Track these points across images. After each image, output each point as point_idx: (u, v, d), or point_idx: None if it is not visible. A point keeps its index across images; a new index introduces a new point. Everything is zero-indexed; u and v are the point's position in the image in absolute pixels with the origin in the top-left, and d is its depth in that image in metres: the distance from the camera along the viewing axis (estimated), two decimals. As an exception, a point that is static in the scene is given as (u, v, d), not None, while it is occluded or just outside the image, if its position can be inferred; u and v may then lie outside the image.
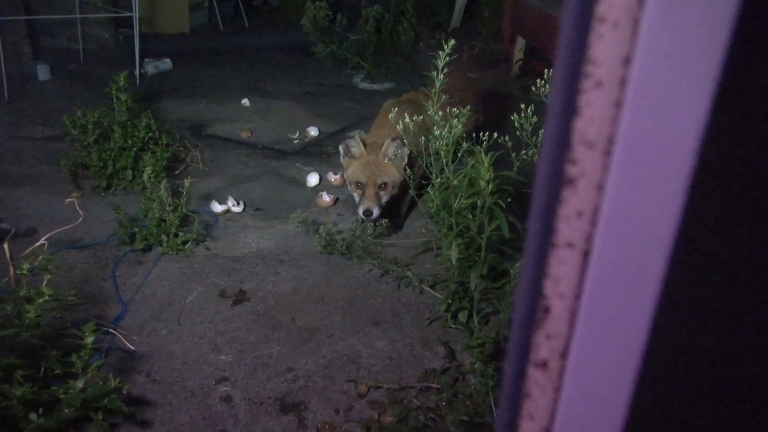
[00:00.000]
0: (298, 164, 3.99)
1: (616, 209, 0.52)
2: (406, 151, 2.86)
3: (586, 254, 0.53)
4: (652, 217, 0.51)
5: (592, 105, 0.50)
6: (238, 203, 3.37)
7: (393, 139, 2.86)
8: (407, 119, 2.56)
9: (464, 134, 2.42)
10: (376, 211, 2.88)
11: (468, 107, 2.46)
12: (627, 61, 0.47)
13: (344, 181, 3.45)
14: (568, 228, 0.54)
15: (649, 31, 0.46)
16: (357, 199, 2.97)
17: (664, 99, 0.48)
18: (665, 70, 0.47)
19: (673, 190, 0.50)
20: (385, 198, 2.94)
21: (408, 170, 2.68)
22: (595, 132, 0.50)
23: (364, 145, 2.96)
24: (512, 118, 2.31)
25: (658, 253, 0.52)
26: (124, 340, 2.34)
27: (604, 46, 0.47)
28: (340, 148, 3.00)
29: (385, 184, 2.92)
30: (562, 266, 0.54)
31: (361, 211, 2.91)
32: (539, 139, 2.37)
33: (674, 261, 0.53)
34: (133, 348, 2.31)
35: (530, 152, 2.33)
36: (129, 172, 3.47)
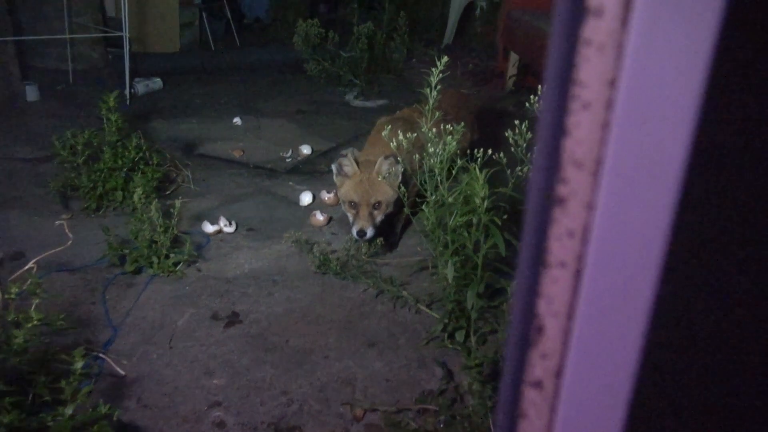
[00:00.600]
0: (290, 183, 4.01)
1: (606, 228, 0.53)
2: (400, 168, 2.89)
3: (578, 273, 0.55)
4: (643, 235, 0.53)
5: (581, 126, 0.51)
6: (230, 223, 3.38)
7: (386, 157, 2.88)
8: (401, 136, 2.58)
9: (459, 151, 2.45)
10: (370, 231, 2.90)
11: (462, 124, 2.49)
12: (613, 83, 0.49)
13: (338, 200, 3.47)
14: (560, 247, 0.55)
15: (633, 54, 0.48)
16: (350, 218, 2.97)
17: (649, 119, 0.50)
18: (650, 91, 0.49)
19: (662, 207, 0.51)
20: (379, 217, 2.96)
21: (402, 188, 2.70)
22: (584, 152, 0.52)
23: (357, 163, 2.98)
24: (507, 134, 2.34)
25: (650, 270, 0.54)
26: (114, 365, 2.33)
27: (591, 69, 0.49)
28: (333, 167, 3.02)
29: (379, 203, 2.94)
30: (554, 286, 0.55)
31: (354, 231, 2.91)
32: (533, 157, 2.39)
33: (666, 278, 0.54)
34: (123, 373, 2.30)
35: (525, 169, 2.35)
36: (119, 193, 3.48)
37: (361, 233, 2.89)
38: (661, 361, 0.56)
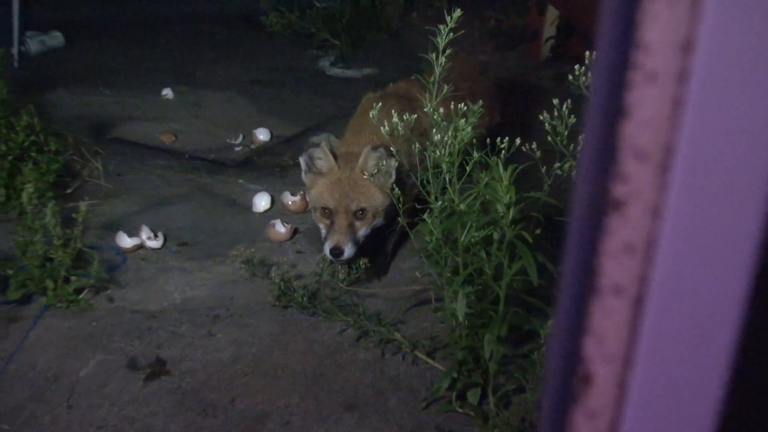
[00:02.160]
0: (241, 181, 4.02)
1: (678, 241, 0.55)
2: (394, 163, 2.90)
3: (638, 302, 0.56)
4: (727, 249, 0.55)
5: (645, 104, 0.53)
6: (156, 236, 3.38)
7: (374, 148, 2.89)
8: (395, 119, 2.60)
9: (475, 140, 2.47)
10: (348, 249, 2.88)
11: (480, 103, 2.51)
12: (688, 48, 0.51)
13: (307, 205, 3.47)
14: (614, 267, 0.57)
15: (718, 8, 0.50)
16: (323, 231, 2.98)
17: (737, 95, 0.51)
18: (738, 58, 0.50)
19: (752, 212, 0.53)
20: (362, 231, 2.96)
21: (396, 190, 2.71)
22: (649, 139, 0.54)
23: (335, 156, 2.99)
24: (542, 117, 2.36)
25: (736, 298, 0.55)
26: (-10, 430, 2.33)
27: (658, 28, 0.51)
28: (301, 160, 3.03)
29: (363, 210, 2.93)
30: (607, 319, 0.56)
31: (327, 248, 2.89)
32: (579, 148, 2.42)
33: (757, 307, 0.56)
34: (3, 442, 2.30)
35: (567, 165, 2.37)
36: (1, 191, 3.46)
37: (337, 251, 2.86)
38: (748, 421, 0.58)
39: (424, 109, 2.53)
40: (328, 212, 2.95)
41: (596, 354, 0.56)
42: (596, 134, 0.60)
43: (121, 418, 2.41)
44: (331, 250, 2.89)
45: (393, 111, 2.71)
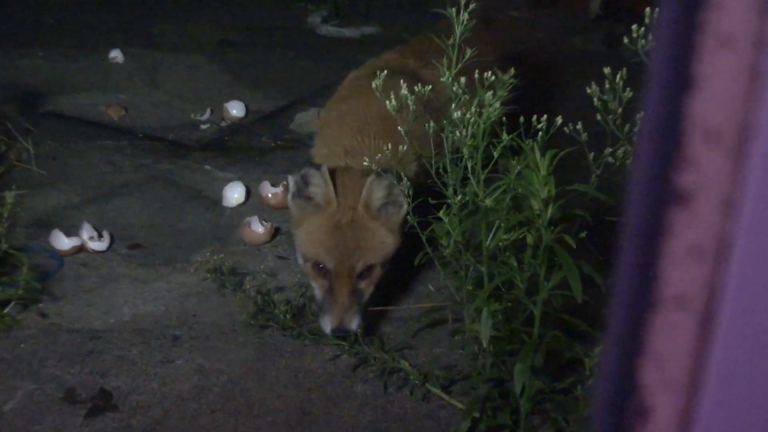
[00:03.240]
0: (208, 167, 4.02)
1: (755, 243, 0.56)
2: (405, 188, 2.73)
3: (707, 317, 0.57)
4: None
5: (716, 75, 0.54)
6: (101, 235, 3.38)
7: (379, 175, 2.76)
8: (391, 101, 2.59)
9: (504, 118, 2.47)
10: (355, 323, 2.78)
11: (511, 71, 2.51)
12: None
13: (283, 205, 3.47)
14: (678, 274, 0.58)
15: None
16: (317, 295, 2.89)
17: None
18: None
19: None
20: (369, 292, 2.89)
21: (409, 216, 2.65)
22: (722, 117, 0.55)
23: (334, 181, 2.86)
24: (589, 91, 2.37)
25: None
26: None
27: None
28: (291, 180, 2.90)
29: (371, 268, 2.86)
30: (669, 338, 0.57)
31: (328, 327, 2.79)
32: (635, 129, 2.43)
33: None
34: None
35: (620, 151, 2.38)
36: None
37: (341, 331, 2.77)
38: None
39: (441, 79, 2.53)
40: (323, 270, 2.85)
41: (655, 381, 0.57)
42: (657, 111, 0.61)
43: (56, 464, 2.43)
44: (333, 331, 2.79)
45: (391, 93, 2.70)
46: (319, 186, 2.84)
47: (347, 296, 2.80)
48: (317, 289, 2.90)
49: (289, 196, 2.94)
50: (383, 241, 2.88)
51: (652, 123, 0.63)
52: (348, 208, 2.84)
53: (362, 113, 3.12)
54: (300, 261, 2.99)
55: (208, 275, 3.11)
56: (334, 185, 2.86)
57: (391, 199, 2.84)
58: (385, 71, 2.71)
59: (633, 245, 0.61)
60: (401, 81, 2.74)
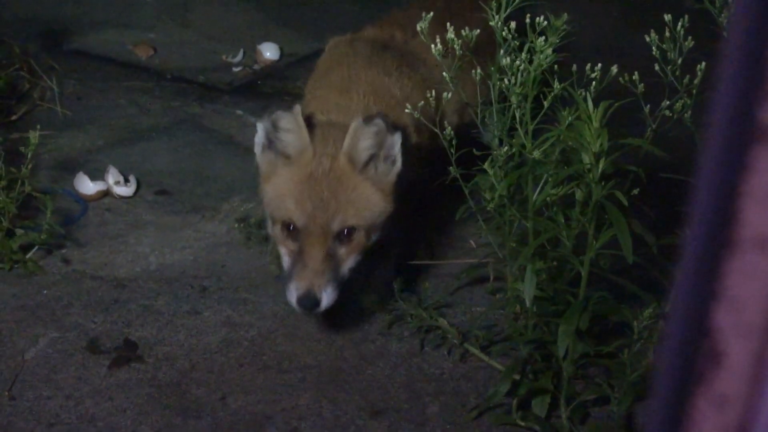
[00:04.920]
0: (239, 112, 4.02)
1: None
2: (397, 140, 2.63)
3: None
4: None
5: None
6: (127, 180, 3.40)
7: (368, 120, 2.57)
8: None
9: (556, 67, 2.44)
10: (327, 296, 2.54)
11: (563, 17, 2.47)
12: None
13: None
14: (759, 214, 0.56)
15: None
16: (285, 260, 2.66)
17: None
18: None
19: None
20: (349, 262, 2.63)
21: (415, 169, 2.58)
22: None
23: (310, 126, 2.66)
24: (648, 39, 2.34)
25: None
26: None
27: None
28: (259, 128, 2.70)
29: (351, 230, 2.61)
30: (746, 280, 0.55)
31: (293, 295, 2.55)
32: (698, 80, 2.39)
33: None
34: (-75, 439, 2.35)
35: (679, 104, 2.34)
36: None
37: (308, 301, 2.53)
38: None
39: (491, 23, 2.49)
40: (294, 231, 2.60)
41: (730, 325, 0.55)
42: (741, 40, 0.59)
43: (78, 414, 2.45)
44: (299, 300, 2.54)
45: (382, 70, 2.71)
46: (292, 132, 2.61)
47: (319, 260, 2.54)
48: (285, 254, 2.65)
49: (257, 148, 2.71)
50: (369, 201, 2.62)
51: (735, 52, 0.61)
52: (326, 157, 2.60)
53: (348, 74, 2.94)
54: (269, 227, 2.78)
55: (237, 225, 3.13)
56: (312, 136, 2.63)
57: (383, 153, 2.62)
58: (431, 12, 2.59)
59: (710, 184, 0.59)
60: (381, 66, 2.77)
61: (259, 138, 2.67)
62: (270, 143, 2.65)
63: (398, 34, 3.11)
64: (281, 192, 2.63)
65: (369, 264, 2.83)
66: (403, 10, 3.26)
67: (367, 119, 2.55)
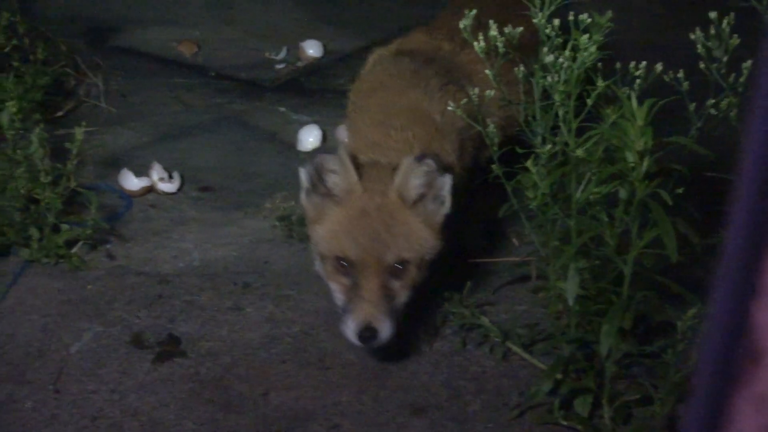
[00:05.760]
0: (282, 109, 4.04)
1: None
2: (447, 182, 2.60)
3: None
4: None
5: None
6: (171, 176, 3.44)
7: (419, 159, 2.54)
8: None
9: (600, 64, 2.43)
10: (386, 330, 2.51)
11: (608, 14, 2.46)
12: None
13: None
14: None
15: None
16: (339, 297, 2.62)
17: None
18: None
19: None
20: (403, 296, 2.60)
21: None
22: None
23: (357, 167, 2.62)
24: (692, 37, 2.33)
25: None
26: (-43, 414, 2.42)
27: None
28: (303, 173, 2.66)
29: (405, 264, 2.58)
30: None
31: (352, 330, 2.51)
32: (743, 78, 2.38)
33: None
34: (-27, 432, 2.39)
35: (724, 103, 2.34)
36: (-27, 111, 3.56)
37: (369, 334, 2.50)
38: None
39: (534, 20, 2.50)
40: (347, 267, 2.57)
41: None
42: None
43: (122, 408, 2.49)
44: (358, 333, 2.51)
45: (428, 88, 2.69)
46: (338, 173, 2.59)
47: (375, 293, 2.53)
48: (337, 291, 2.62)
49: (302, 194, 2.68)
50: (419, 236, 2.60)
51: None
52: (377, 193, 2.59)
53: (387, 101, 2.90)
54: (316, 264, 2.72)
55: (280, 222, 3.15)
56: (359, 175, 2.60)
57: (432, 193, 2.60)
58: (474, 10, 2.58)
59: (751, 182, 0.60)
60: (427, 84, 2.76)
61: (304, 183, 2.65)
62: (314, 187, 2.63)
63: (446, 45, 3.08)
64: (333, 229, 2.60)
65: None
66: (453, 11, 3.19)
67: (419, 158, 2.53)
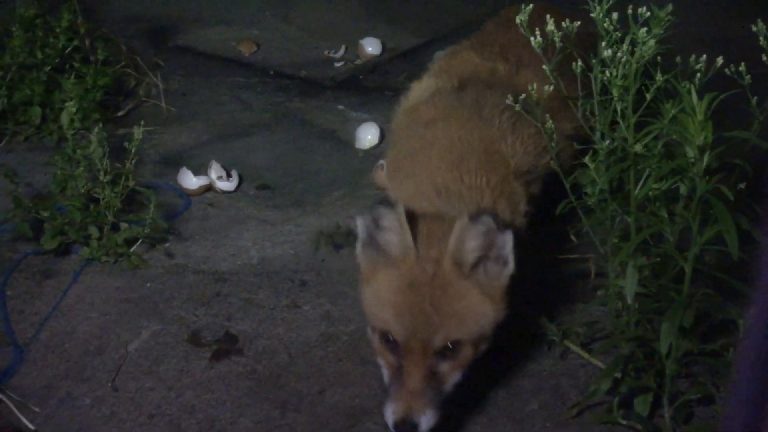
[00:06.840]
0: (341, 107, 4.06)
1: None
2: (509, 239, 2.38)
3: None
4: None
5: None
6: (229, 175, 3.48)
7: (474, 218, 2.33)
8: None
9: (659, 58, 2.41)
10: (426, 422, 2.30)
11: (668, 7, 2.44)
12: None
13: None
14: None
15: None
16: (385, 374, 2.45)
17: None
18: None
19: None
20: (452, 379, 2.40)
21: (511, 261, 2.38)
22: None
23: (413, 221, 2.42)
24: (754, 29, 2.31)
25: None
26: (17, 411, 2.46)
27: None
28: (360, 224, 2.49)
29: (457, 345, 2.36)
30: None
31: (390, 419, 2.32)
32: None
33: None
34: (32, 428, 2.43)
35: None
36: (35, 111, 3.60)
37: (405, 427, 2.29)
38: None
39: (591, 15, 2.48)
40: (393, 344, 2.39)
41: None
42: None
43: (179, 405, 2.53)
44: (395, 425, 2.31)
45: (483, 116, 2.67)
46: (394, 230, 2.40)
47: (418, 380, 2.31)
48: (384, 367, 2.44)
49: (358, 245, 2.52)
50: (476, 311, 2.39)
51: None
52: (430, 261, 2.38)
53: (458, 140, 2.72)
54: (368, 332, 2.53)
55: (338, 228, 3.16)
56: (415, 233, 2.40)
57: (493, 254, 2.39)
58: (531, 5, 2.53)
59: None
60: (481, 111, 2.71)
61: (360, 234, 2.49)
62: (371, 240, 2.46)
63: (500, 66, 2.98)
64: (380, 299, 2.43)
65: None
66: (499, 23, 3.16)
67: (474, 217, 2.32)
